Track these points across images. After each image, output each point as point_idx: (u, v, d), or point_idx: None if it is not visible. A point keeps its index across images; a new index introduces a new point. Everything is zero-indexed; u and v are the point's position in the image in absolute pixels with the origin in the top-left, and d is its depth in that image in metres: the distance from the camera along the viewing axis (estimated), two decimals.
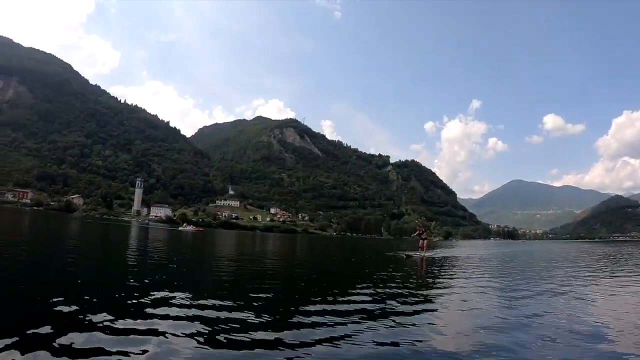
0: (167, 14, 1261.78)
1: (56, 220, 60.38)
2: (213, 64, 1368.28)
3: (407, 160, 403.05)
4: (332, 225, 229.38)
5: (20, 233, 27.52)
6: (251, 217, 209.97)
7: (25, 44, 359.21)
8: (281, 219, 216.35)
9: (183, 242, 36.55)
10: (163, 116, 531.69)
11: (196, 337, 5.40)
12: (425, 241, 28.22)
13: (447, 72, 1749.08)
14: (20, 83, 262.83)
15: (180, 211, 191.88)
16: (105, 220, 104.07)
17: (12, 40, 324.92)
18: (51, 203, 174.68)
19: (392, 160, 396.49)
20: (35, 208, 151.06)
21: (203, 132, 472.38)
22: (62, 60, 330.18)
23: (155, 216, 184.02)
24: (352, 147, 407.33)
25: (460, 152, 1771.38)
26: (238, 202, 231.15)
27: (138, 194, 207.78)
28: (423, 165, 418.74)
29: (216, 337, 5.54)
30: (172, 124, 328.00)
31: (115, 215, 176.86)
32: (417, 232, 29.56)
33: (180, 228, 79.77)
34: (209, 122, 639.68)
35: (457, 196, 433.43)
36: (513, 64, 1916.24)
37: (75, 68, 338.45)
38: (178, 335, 5.44)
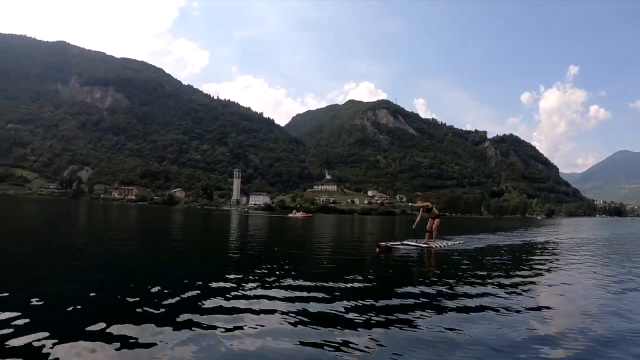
0: (249, 9, 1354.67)
1: (161, 213, 67.25)
2: (301, 53, 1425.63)
3: (504, 135, 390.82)
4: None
5: (130, 225, 30.80)
6: (349, 200, 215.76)
7: (118, 55, 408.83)
8: (379, 201, 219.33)
9: (293, 227, 39.04)
10: (256, 108, 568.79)
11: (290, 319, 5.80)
12: (436, 221, 17.94)
13: (541, 37, 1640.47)
14: (117, 91, 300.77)
15: (278, 198, 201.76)
16: (206, 211, 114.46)
17: (105, 53, 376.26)
18: (154, 198, 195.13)
19: (489, 136, 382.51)
20: (140, 203, 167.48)
21: (297, 120, 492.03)
22: (154, 66, 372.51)
23: (254, 204, 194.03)
24: (446, 124, 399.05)
25: (560, 123, 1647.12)
26: (335, 187, 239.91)
27: (236, 184, 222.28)
28: (522, 139, 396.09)
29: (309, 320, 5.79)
30: (265, 115, 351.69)
31: (216, 205, 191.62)
32: (419, 205, 18.90)
33: (289, 215, 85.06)
34: (301, 110, 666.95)
35: (559, 170, 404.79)
36: (611, 23, 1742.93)
37: (167, 71, 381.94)
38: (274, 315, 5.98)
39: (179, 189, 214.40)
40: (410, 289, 8.11)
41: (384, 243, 15.82)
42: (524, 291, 8.41)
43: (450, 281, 9.07)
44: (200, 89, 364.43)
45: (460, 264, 12.55)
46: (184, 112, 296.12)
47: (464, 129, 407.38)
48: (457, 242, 19.46)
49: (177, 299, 6.57)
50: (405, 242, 17.18)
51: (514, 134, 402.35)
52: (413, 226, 17.73)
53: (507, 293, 8.04)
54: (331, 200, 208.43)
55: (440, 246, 17.20)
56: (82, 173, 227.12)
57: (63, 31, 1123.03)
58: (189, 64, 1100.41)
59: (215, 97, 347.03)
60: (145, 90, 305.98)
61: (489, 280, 9.45)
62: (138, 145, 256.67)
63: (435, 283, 8.88)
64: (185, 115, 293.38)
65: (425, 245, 16.61)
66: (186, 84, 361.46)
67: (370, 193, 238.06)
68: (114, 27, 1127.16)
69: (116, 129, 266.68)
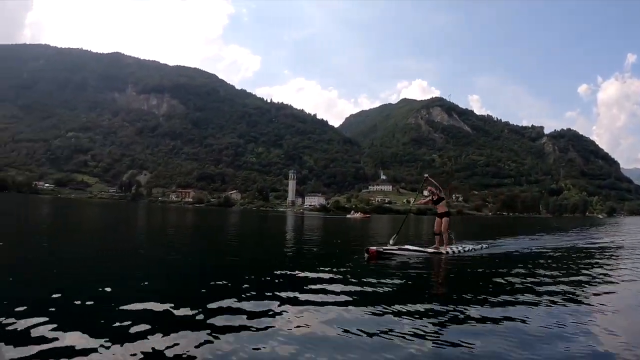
0: (297, 12, 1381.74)
1: (218, 214, 68.34)
2: (352, 53, 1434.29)
3: (562, 130, 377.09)
4: (487, 204, 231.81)
5: (188, 226, 31.79)
6: (404, 200, 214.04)
7: (172, 63, 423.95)
8: None
9: (353, 227, 39.18)
10: (309, 110, 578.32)
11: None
12: (444, 220, 14.15)
13: (596, 25, 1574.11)
14: (173, 97, 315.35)
15: (333, 199, 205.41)
16: (262, 212, 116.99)
17: (159, 62, 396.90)
18: (211, 200, 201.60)
19: (546, 131, 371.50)
20: (197, 205, 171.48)
21: (350, 120, 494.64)
22: (207, 72, 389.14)
23: (310, 205, 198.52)
24: (502, 120, 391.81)
25: (620, 115, 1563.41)
26: (390, 187, 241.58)
27: (292, 185, 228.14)
28: (580, 133, 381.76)
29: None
30: (319, 116, 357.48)
31: (271, 206, 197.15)
32: (427, 192, 15.93)
33: (348, 215, 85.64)
34: (355, 111, 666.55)
35: (621, 166, 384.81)
36: None
37: (221, 77, 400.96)
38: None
39: (235, 191, 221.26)
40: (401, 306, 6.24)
41: (374, 247, 12.43)
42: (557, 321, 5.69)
43: (463, 298, 7.02)
44: (254, 93, 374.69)
45: (478, 275, 9.93)
46: (238, 116, 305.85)
47: (520, 124, 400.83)
48: (480, 246, 15.80)
49: (236, 296, 6.50)
50: (405, 247, 13.51)
51: (572, 129, 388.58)
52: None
53: (524, 319, 5.70)
54: (386, 201, 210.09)
55: (454, 252, 13.82)
56: (141, 177, 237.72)
57: (118, 43, 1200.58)
58: (242, 69, 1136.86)
59: (269, 100, 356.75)
60: (199, 96, 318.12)
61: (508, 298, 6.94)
62: (194, 149, 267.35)
63: (439, 300, 7.07)
64: (239, 119, 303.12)
65: (431, 251, 13.52)
66: (240, 89, 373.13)
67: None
68: (167, 37, 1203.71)
69: (173, 134, 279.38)
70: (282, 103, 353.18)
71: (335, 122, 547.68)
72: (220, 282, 7.82)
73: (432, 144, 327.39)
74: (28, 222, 25.76)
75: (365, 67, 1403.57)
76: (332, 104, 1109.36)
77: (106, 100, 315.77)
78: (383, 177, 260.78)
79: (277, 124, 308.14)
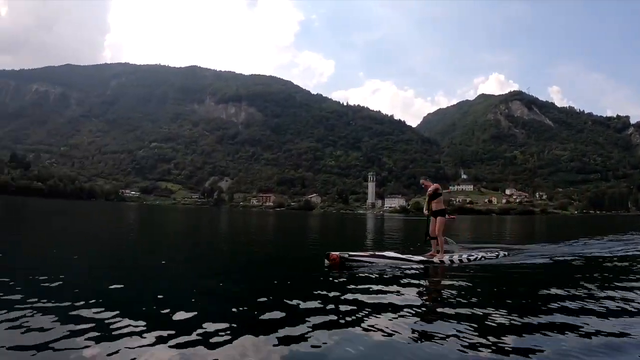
0: (367, 14, 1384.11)
1: (298, 218, 69.17)
2: (426, 52, 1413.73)
3: None
4: (573, 202, 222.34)
5: (269, 229, 33.07)
6: (486, 200, 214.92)
7: (247, 72, 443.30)
8: (517, 200, 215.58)
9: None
10: (386, 111, 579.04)
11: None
12: (438, 220, 11.43)
13: None
14: (250, 105, 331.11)
15: (413, 200, 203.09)
16: (342, 215, 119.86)
17: (235, 72, 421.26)
18: (292, 203, 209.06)
19: (632, 121, 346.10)
20: (277, 209, 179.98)
21: (428, 119, 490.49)
22: (282, 79, 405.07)
23: (389, 207, 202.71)
24: (585, 111, 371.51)
25: None
26: (472, 186, 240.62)
27: (371, 187, 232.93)
28: None
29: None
30: (396, 117, 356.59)
31: (351, 209, 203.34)
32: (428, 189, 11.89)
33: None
34: (432, 109, 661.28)
35: None
36: None
37: (296, 83, 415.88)
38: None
39: (315, 194, 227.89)
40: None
41: (336, 253, 9.87)
42: None
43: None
44: (330, 97, 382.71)
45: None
46: (315, 120, 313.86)
47: (603, 115, 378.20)
48: (496, 253, 12.34)
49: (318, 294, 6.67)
50: (382, 254, 10.69)
51: None
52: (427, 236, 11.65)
53: None
54: (468, 201, 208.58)
55: (453, 261, 11.04)
56: (222, 183, 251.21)
57: (194, 56, 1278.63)
58: (316, 74, 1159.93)
59: (345, 104, 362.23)
60: (276, 103, 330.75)
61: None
62: (274, 155, 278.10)
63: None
64: (317, 123, 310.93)
65: (418, 259, 10.73)
66: (315, 93, 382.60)
67: (508, 191, 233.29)
68: (241, 47, 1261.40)
69: (252, 140, 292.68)
70: (358, 105, 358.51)
71: (413, 121, 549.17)
72: (302, 279, 8.51)
73: (512, 140, 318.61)
74: (122, 226, 27.49)
75: (439, 64, 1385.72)
76: (408, 104, 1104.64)
77: (186, 111, 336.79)
78: (464, 176, 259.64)
79: (354, 126, 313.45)
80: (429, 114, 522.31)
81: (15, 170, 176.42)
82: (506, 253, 12.65)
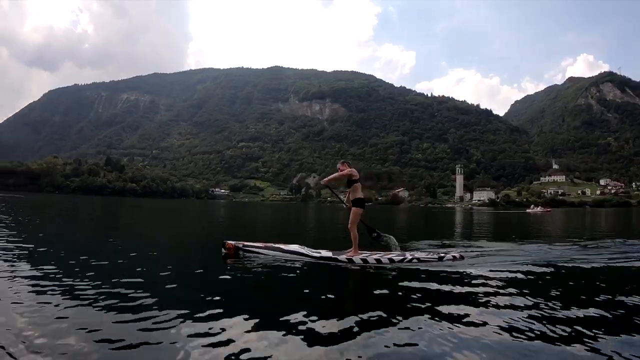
0: (445, 2, 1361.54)
1: (386, 212, 69.04)
2: (509, 36, 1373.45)
3: None
4: None
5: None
6: (579, 191, 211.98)
7: (329, 69, 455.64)
8: (612, 191, 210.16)
9: (540, 222, 37.36)
10: (472, 100, 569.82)
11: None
12: (353, 210, 9.76)
13: None
14: (334, 102, 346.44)
15: (503, 192, 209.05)
16: (430, 209, 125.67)
17: (317, 69, 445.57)
18: (379, 198, 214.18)
19: None
20: (365, 204, 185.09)
21: (515, 107, 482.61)
22: (364, 74, 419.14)
23: (478, 200, 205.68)
24: None
25: None
26: (563, 177, 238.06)
27: (459, 180, 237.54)
28: None
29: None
30: (482, 106, 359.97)
31: (439, 202, 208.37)
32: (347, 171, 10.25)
33: (527, 210, 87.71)
34: (519, 96, 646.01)
35: None
36: None
37: (378, 77, 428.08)
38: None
39: (402, 188, 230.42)
40: None
41: (232, 242, 10.01)
42: None
43: None
44: (413, 89, 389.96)
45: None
46: (400, 113, 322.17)
47: None
48: (439, 255, 9.91)
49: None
50: (279, 246, 10.05)
51: None
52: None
53: None
54: (559, 192, 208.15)
55: (366, 261, 9.31)
56: (310, 179, 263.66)
57: (275, 57, 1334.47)
58: (398, 66, 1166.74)
59: (429, 95, 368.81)
60: (359, 97, 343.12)
61: None
62: (360, 150, 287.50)
63: None
64: (402, 116, 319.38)
65: (318, 255, 9.60)
66: (399, 86, 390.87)
67: (602, 182, 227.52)
68: (320, 45, 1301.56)
69: (337, 136, 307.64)
70: (443, 96, 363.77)
71: (500, 110, 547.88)
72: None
73: (606, 126, 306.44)
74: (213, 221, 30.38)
75: (524, 49, 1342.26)
76: (494, 92, 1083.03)
77: (271, 110, 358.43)
78: (555, 166, 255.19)
79: (440, 117, 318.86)
80: (516, 102, 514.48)
81: (110, 173, 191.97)
82: (456, 255, 9.97)
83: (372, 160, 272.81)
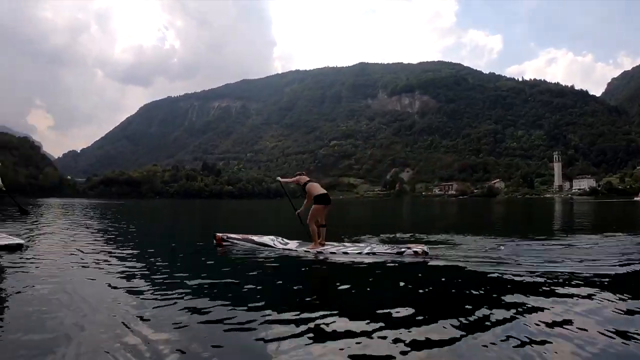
0: None
1: (481, 204, 71.13)
2: (599, 9, 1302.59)
3: None
4: None
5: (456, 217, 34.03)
6: None
7: (415, 61, 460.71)
8: None
9: None
10: (565, 81, 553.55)
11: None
12: (311, 209, 11.10)
13: None
14: (423, 94, 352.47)
15: (604, 180, 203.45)
16: (527, 200, 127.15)
17: (402, 62, 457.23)
18: (474, 191, 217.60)
19: None
20: (460, 197, 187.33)
21: (613, 85, 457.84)
22: (451, 62, 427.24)
23: (578, 189, 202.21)
24: None
25: None
26: None
27: (557, 168, 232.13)
28: None
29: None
30: (576, 87, 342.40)
31: (537, 193, 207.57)
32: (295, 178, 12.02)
33: (636, 198, 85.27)
34: (615, 73, 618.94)
35: None
36: None
37: (466, 65, 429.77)
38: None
39: (498, 180, 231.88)
40: None
41: (220, 234, 12.10)
42: None
43: None
44: (503, 74, 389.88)
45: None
46: (491, 101, 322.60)
47: None
48: (365, 249, 10.36)
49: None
50: (252, 238, 11.76)
51: None
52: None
53: None
54: None
55: (322, 252, 10.32)
56: (403, 174, 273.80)
57: (360, 54, 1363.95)
58: (485, 52, 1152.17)
59: (521, 79, 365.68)
60: (448, 87, 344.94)
61: None
62: (452, 142, 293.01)
63: None
64: (493, 103, 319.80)
65: (284, 247, 11.09)
66: (487, 72, 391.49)
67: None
68: (404, 38, 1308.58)
69: (429, 129, 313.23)
70: (534, 79, 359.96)
71: (596, 90, 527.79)
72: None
73: None
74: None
75: (617, 21, 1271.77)
76: (589, 70, 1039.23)
77: (360, 107, 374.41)
78: None
79: (533, 102, 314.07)
80: (613, 79, 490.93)
81: (207, 177, 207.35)
82: (418, 250, 9.73)
83: (465, 152, 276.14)
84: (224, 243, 11.83)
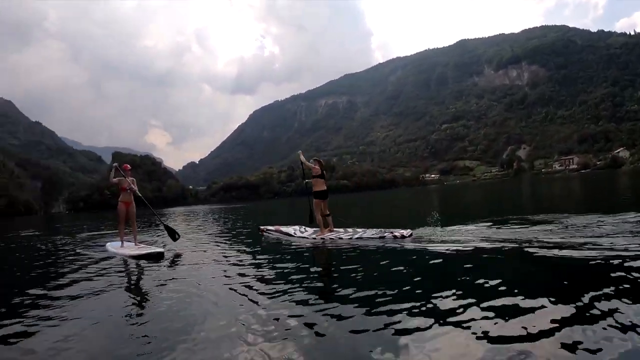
0: None
1: (604, 178, 66.45)
2: None
3: None
4: None
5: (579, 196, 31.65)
6: None
7: (516, 30, 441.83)
8: None
9: None
10: None
11: None
12: (313, 202, 14.32)
13: None
14: (530, 64, 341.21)
15: None
16: None
17: (504, 33, 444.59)
18: (597, 163, 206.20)
19: None
20: (582, 171, 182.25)
21: None
22: (555, 25, 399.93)
23: None
24: None
25: None
26: None
27: None
28: None
29: None
30: None
31: None
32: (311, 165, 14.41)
33: None
34: None
35: None
36: None
37: (571, 25, 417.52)
38: None
39: (622, 148, 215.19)
40: None
41: (263, 227, 15.73)
42: None
43: None
44: (613, 30, 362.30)
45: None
46: (604, 61, 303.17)
47: None
48: (355, 233, 12.91)
49: None
50: (281, 229, 15.03)
51: None
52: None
53: None
54: None
55: (326, 239, 12.93)
56: (520, 151, 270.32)
57: (458, 31, 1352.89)
58: (589, 8, 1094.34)
59: (633, 33, 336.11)
60: (556, 53, 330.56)
61: None
62: (568, 112, 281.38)
63: None
64: (607, 64, 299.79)
65: (302, 235, 14.05)
66: (595, 30, 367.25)
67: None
68: (501, 6, 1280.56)
69: (542, 100, 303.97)
70: None
71: None
72: None
73: None
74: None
75: None
76: None
77: (468, 86, 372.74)
78: None
79: None
80: None
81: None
82: (397, 235, 11.73)
83: (583, 121, 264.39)
84: (265, 233, 15.39)
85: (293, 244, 12.80)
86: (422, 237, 11.62)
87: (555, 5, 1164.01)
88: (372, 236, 12.29)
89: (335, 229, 13.80)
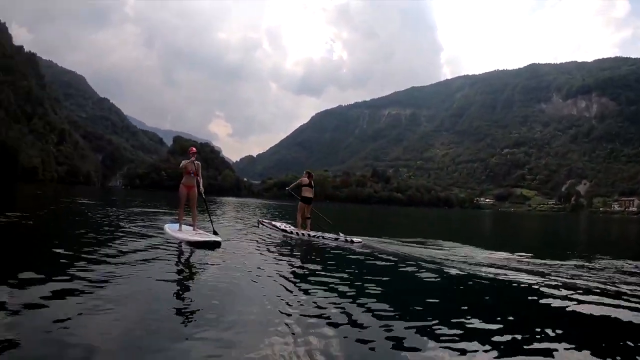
0: None
1: None
2: None
3: None
4: None
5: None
6: None
7: (589, 59, 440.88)
8: None
9: None
10: None
11: None
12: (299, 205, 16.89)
13: None
14: (601, 95, 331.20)
15: None
16: None
17: (576, 61, 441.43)
18: None
19: None
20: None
21: None
22: (630, 58, 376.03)
23: None
24: None
25: None
26: None
27: None
28: None
29: None
30: None
31: None
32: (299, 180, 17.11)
33: None
34: None
35: None
36: None
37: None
38: None
39: None
40: None
41: (260, 219, 19.58)
42: None
43: None
44: None
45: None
46: None
47: None
48: (338, 238, 14.26)
49: None
50: (276, 224, 17.48)
51: None
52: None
53: None
54: None
55: (299, 233, 15.67)
56: (580, 187, 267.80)
57: (530, 54, 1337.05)
58: None
59: None
60: (629, 87, 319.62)
61: None
62: (635, 150, 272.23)
63: None
64: None
65: (284, 228, 16.61)
66: None
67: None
68: (575, 33, 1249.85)
69: (608, 135, 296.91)
70: None
71: None
72: None
73: None
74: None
75: None
76: None
77: (534, 112, 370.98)
78: None
79: None
80: None
81: (377, 183, 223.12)
82: (339, 237, 13.94)
83: None
84: (261, 225, 18.27)
85: (339, 246, 13.11)
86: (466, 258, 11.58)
87: (631, 36, 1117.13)
88: (329, 237, 14.59)
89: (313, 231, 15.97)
